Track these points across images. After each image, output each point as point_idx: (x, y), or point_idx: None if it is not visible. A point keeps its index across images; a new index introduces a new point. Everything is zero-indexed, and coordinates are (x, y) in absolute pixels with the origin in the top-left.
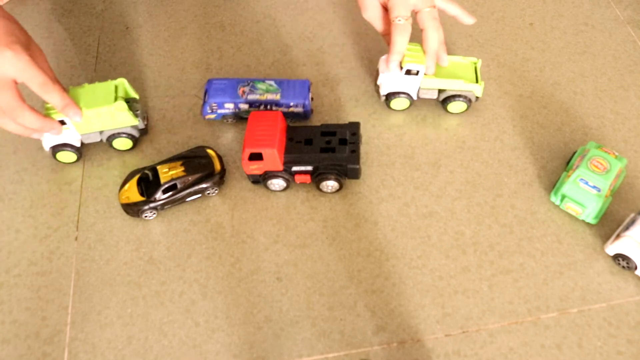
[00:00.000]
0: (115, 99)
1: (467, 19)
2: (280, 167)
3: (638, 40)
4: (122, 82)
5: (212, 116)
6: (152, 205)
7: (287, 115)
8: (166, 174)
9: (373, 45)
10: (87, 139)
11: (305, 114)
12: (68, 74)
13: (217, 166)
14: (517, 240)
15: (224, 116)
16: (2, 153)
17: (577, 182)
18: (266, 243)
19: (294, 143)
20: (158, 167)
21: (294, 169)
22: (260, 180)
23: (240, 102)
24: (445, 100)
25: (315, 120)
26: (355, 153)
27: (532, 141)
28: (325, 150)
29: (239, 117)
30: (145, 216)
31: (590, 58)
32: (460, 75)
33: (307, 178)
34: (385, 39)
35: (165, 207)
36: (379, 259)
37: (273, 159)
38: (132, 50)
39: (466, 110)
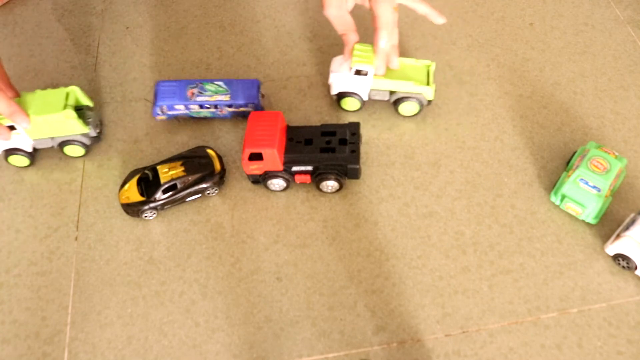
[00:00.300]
0: (65, 106)
1: (438, 19)
2: (280, 167)
3: (638, 40)
4: (74, 90)
5: (163, 117)
6: (152, 205)
7: (237, 114)
8: (166, 174)
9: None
10: (39, 144)
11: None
12: (68, 74)
13: (217, 166)
14: (517, 240)
15: (175, 117)
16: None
17: (577, 182)
18: (266, 243)
19: (294, 143)
20: (158, 167)
21: (294, 169)
22: (260, 180)
23: (190, 104)
24: (396, 102)
25: (315, 120)
26: (355, 153)
27: (532, 141)
28: (325, 150)
29: (191, 117)
30: (145, 216)
31: (590, 58)
32: (412, 77)
33: (307, 178)
34: (342, 38)
35: (165, 207)
36: (379, 259)
37: (273, 159)
38: (132, 50)
39: (418, 113)
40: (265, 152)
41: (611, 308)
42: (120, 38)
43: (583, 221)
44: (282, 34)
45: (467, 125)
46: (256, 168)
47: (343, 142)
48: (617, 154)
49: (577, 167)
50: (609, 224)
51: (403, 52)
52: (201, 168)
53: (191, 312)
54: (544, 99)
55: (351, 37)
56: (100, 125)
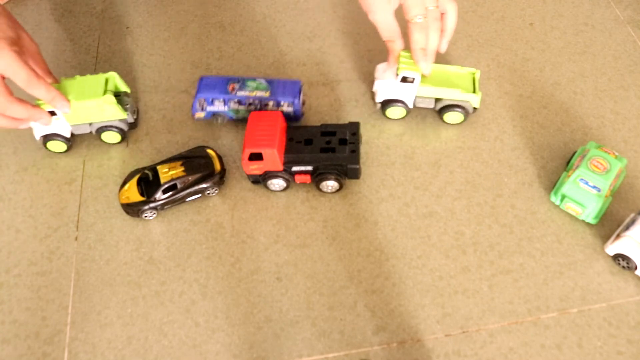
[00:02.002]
0: (105, 92)
1: (444, 44)
2: (280, 167)
3: (638, 40)
4: (113, 76)
5: (202, 114)
6: (152, 205)
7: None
8: (166, 174)
9: (373, 46)
10: (77, 130)
11: (295, 114)
12: (68, 74)
13: (217, 166)
14: (517, 240)
15: (213, 115)
16: (2, 153)
17: (577, 182)
18: (266, 243)
19: (294, 143)
20: (158, 167)
21: (294, 169)
22: (260, 180)
23: (229, 99)
24: (442, 110)
25: (315, 120)
26: (355, 153)
27: (532, 141)
28: (325, 150)
29: (229, 117)
30: (145, 216)
31: (590, 58)
32: (458, 84)
33: (307, 178)
34: (388, 45)
35: (165, 207)
36: (379, 259)
37: (273, 159)
38: (132, 50)
39: (463, 121)
40: (265, 152)
41: (611, 308)
42: (120, 38)
43: (583, 221)
44: (282, 34)
45: (467, 125)
46: (256, 168)
47: (343, 142)
48: (617, 154)
49: (577, 167)
50: (609, 224)
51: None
52: (201, 168)
53: (191, 312)
54: (544, 99)
55: (397, 44)
56: (137, 111)
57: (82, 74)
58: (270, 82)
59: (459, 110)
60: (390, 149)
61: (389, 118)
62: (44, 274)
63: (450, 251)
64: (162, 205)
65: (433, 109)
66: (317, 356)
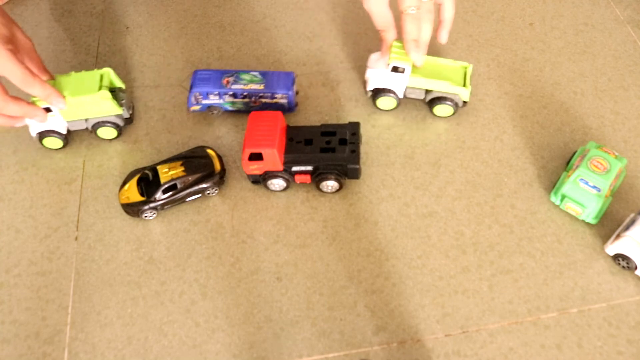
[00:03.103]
0: (100, 87)
1: (444, 35)
2: (280, 167)
3: (638, 40)
4: (108, 72)
5: (197, 107)
6: (152, 205)
7: (271, 106)
8: (166, 174)
9: (373, 46)
10: (73, 126)
11: (290, 105)
12: (67, 72)
13: (217, 166)
14: (517, 240)
15: (209, 107)
16: (2, 153)
17: (577, 182)
18: (266, 243)
19: (294, 143)
20: (158, 167)
21: (294, 169)
22: (260, 180)
23: (224, 92)
24: (431, 102)
25: (315, 120)
26: (355, 153)
27: (532, 141)
28: (325, 150)
29: (225, 109)
30: (145, 216)
31: (590, 58)
32: (448, 77)
33: (307, 178)
34: (381, 34)
35: (165, 207)
36: (379, 259)
37: (273, 159)
38: (132, 50)
39: (453, 114)
40: (265, 152)
41: (611, 308)
42: (120, 38)
43: (583, 221)
44: (282, 34)
45: (467, 125)
46: (256, 168)
47: (343, 142)
48: (617, 154)
49: (577, 167)
50: (609, 224)
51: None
52: (201, 168)
53: (191, 312)
54: (544, 99)
55: (390, 34)
56: (132, 107)
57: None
58: (264, 75)
59: (449, 103)
60: (390, 149)
61: (379, 108)
62: (44, 274)
63: (450, 251)
64: (162, 205)
65: (423, 101)
66: (317, 356)
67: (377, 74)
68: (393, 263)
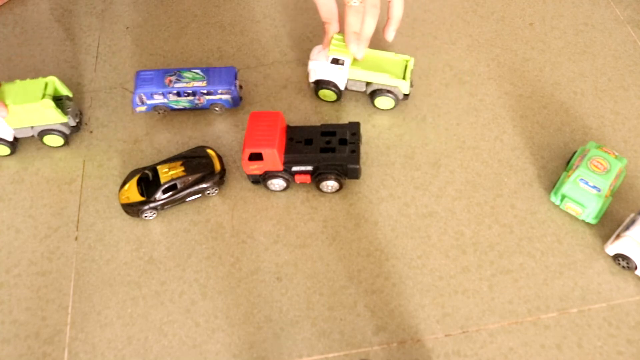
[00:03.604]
0: (43, 96)
1: (391, 33)
2: (280, 167)
3: (638, 40)
4: (53, 80)
5: (143, 108)
6: (152, 205)
7: (215, 102)
8: (166, 174)
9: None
10: (20, 133)
11: (234, 100)
12: (68, 74)
13: (217, 166)
14: (517, 240)
15: (154, 107)
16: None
17: (577, 182)
18: (266, 243)
19: (294, 143)
20: (158, 167)
21: (294, 169)
22: (260, 180)
23: (167, 91)
24: (372, 95)
25: (315, 120)
26: (355, 153)
27: (532, 141)
28: (325, 150)
29: (171, 108)
30: (145, 216)
31: (590, 58)
32: (388, 70)
33: (307, 178)
34: (324, 26)
35: (165, 207)
36: (379, 259)
37: (273, 159)
38: (132, 50)
39: (393, 107)
40: (265, 152)
41: (611, 308)
42: (120, 38)
43: (583, 221)
44: (282, 34)
45: (467, 125)
46: (256, 168)
47: (343, 142)
48: (617, 154)
49: (577, 167)
50: (609, 224)
51: (403, 50)
52: (201, 168)
53: (191, 312)
54: (544, 99)
55: (333, 26)
56: (80, 115)
57: (82, 73)
58: (205, 71)
59: (389, 95)
60: (390, 149)
61: (321, 99)
62: (44, 274)
63: (450, 251)
64: (162, 205)
65: (364, 93)
66: (317, 356)
67: (318, 66)
68: (393, 263)
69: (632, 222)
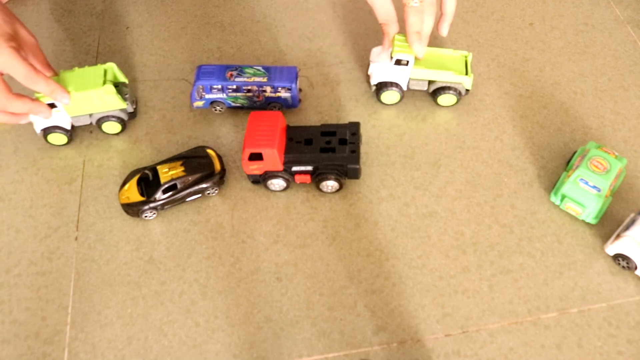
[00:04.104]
0: (104, 82)
1: (445, 28)
2: (280, 167)
3: (638, 40)
4: (111, 66)
5: (200, 103)
6: (152, 205)
7: (274, 101)
8: (166, 174)
9: (373, 45)
10: (78, 121)
11: (293, 100)
12: None
13: (217, 166)
14: (517, 240)
15: (212, 103)
16: (2, 153)
17: (577, 182)
18: (266, 243)
19: (294, 143)
20: (158, 167)
21: (294, 169)
22: (260, 180)
23: (228, 85)
24: (435, 93)
25: (316, 120)
26: (355, 153)
27: (532, 141)
28: (325, 150)
29: (227, 105)
30: (145, 216)
31: (590, 58)
32: (451, 67)
33: (307, 178)
34: (383, 28)
35: (165, 207)
36: (379, 259)
37: (273, 159)
38: (132, 50)
39: (456, 103)
40: (265, 152)
41: (611, 308)
42: (120, 38)
43: (583, 221)
44: (282, 34)
45: (467, 125)
46: (256, 168)
47: (343, 142)
48: (617, 154)
49: (577, 167)
50: (609, 224)
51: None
52: (201, 168)
53: (191, 312)
54: (544, 99)
55: (392, 27)
56: (136, 101)
57: None
58: (267, 69)
59: (452, 92)
60: (390, 149)
61: (383, 103)
62: (44, 274)
63: (450, 251)
64: (162, 205)
65: (426, 92)
66: (317, 356)
67: (380, 68)
68: (393, 263)
69: (632, 222)
